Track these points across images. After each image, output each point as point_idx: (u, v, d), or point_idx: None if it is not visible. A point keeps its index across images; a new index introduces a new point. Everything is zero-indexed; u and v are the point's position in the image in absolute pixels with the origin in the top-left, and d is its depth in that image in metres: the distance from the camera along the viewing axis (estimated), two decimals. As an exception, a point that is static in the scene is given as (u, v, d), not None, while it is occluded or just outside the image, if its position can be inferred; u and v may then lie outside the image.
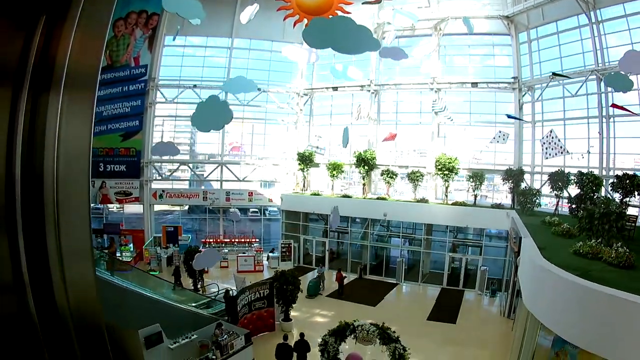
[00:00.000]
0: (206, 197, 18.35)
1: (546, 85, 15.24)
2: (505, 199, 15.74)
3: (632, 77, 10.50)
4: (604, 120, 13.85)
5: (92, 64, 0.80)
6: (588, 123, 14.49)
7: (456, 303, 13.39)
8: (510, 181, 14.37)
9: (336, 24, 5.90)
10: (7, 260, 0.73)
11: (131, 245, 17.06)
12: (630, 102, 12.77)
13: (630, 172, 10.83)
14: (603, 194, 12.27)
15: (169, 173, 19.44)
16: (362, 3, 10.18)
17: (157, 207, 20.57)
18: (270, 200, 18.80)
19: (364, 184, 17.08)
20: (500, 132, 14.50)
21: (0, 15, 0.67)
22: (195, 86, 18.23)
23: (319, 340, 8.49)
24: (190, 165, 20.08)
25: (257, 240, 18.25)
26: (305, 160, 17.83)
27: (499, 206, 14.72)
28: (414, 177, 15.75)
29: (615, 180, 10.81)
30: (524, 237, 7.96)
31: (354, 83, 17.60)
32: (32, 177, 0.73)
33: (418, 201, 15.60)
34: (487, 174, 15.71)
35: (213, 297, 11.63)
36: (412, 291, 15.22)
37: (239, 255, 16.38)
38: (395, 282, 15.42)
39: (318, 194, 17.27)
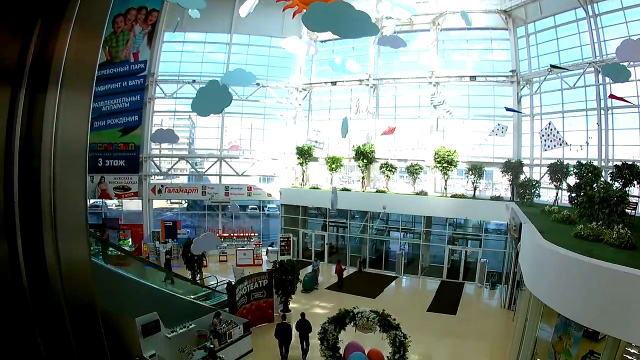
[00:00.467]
0: (205, 192, 18.31)
1: (544, 78, 15.29)
2: (505, 192, 15.75)
3: (630, 69, 10.58)
4: (602, 112, 13.89)
5: (88, 64, 0.82)
6: (586, 115, 14.52)
7: (456, 295, 13.34)
8: (509, 173, 14.37)
9: (336, 8, 5.93)
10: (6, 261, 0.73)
11: (130, 239, 16.99)
12: (628, 95, 12.79)
13: (630, 162, 10.83)
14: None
15: (169, 167, 19.40)
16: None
17: (155, 205, 20.53)
18: (269, 195, 18.77)
19: (363, 178, 17.07)
20: (499, 124, 14.54)
21: None
22: (194, 81, 18.25)
23: (319, 330, 8.43)
24: (189, 160, 20.04)
25: (256, 234, 18.20)
26: (304, 154, 17.83)
27: (498, 198, 14.71)
28: (413, 170, 15.75)
29: (614, 170, 10.81)
30: (524, 223, 7.93)
31: (352, 77, 17.64)
32: (30, 175, 0.74)
33: (417, 194, 15.59)
34: (486, 167, 15.69)
35: (213, 288, 11.58)
36: (412, 284, 15.17)
37: (238, 249, 16.32)
38: (394, 275, 15.37)
39: (317, 188, 17.25)
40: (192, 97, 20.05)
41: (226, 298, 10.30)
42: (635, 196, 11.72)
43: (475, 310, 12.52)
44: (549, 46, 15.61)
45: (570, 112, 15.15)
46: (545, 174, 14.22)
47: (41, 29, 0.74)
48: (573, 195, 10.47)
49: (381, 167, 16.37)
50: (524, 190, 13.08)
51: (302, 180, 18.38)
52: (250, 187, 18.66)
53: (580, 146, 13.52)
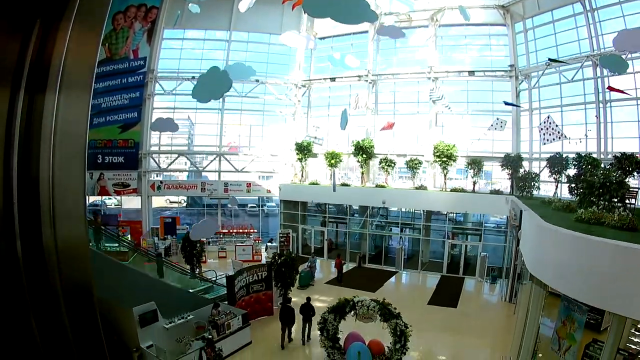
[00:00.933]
0: (204, 188, 18.27)
1: (542, 73, 15.34)
2: (505, 189, 15.74)
3: (627, 61, 10.60)
4: (601, 105, 13.92)
5: (88, 64, 0.82)
6: (585, 109, 14.55)
7: (456, 289, 13.27)
8: (508, 167, 14.36)
9: (336, -6, 6.00)
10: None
11: (129, 236, 16.91)
12: (625, 88, 12.82)
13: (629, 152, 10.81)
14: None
15: (169, 163, 19.37)
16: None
17: (155, 204, 20.48)
18: (269, 191, 18.73)
19: (362, 173, 17.05)
20: (497, 119, 14.55)
21: None
22: (193, 78, 18.27)
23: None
24: (188, 156, 20.03)
25: (255, 231, 18.15)
26: (304, 150, 17.82)
27: (497, 192, 14.69)
28: (412, 165, 15.74)
29: (614, 161, 10.79)
30: (525, 210, 7.91)
31: (351, 73, 17.70)
32: (29, 175, 0.75)
33: (417, 188, 15.57)
34: (486, 161, 15.69)
35: (213, 281, 11.50)
36: (412, 278, 15.10)
37: (237, 244, 16.26)
38: (394, 270, 15.30)
39: (316, 183, 17.23)
40: (192, 93, 19.91)
41: (225, 293, 10.26)
42: (635, 188, 11.74)
43: (476, 304, 12.45)
44: (547, 41, 15.69)
45: (568, 106, 15.18)
46: (544, 167, 14.21)
47: (40, 29, 0.74)
48: (573, 185, 10.45)
49: (380, 162, 16.36)
50: (523, 184, 13.07)
51: (302, 176, 18.36)
52: (250, 184, 18.64)
53: (580, 139, 13.52)
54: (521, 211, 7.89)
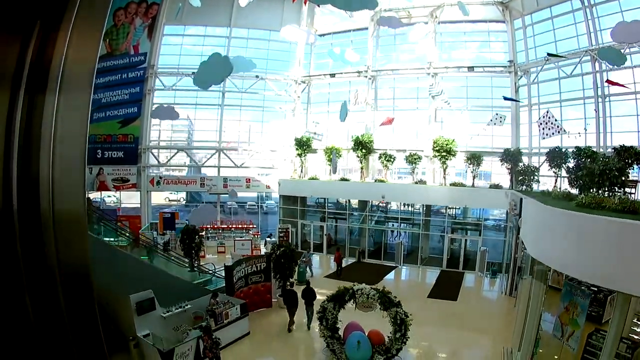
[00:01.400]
0: (204, 184, 18.23)
1: (541, 68, 15.40)
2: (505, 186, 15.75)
3: (625, 55, 10.62)
4: (600, 100, 13.96)
5: (87, 66, 0.82)
6: (584, 103, 14.59)
7: (456, 283, 13.20)
8: (508, 162, 14.35)
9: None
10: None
11: (127, 232, 16.81)
12: (624, 83, 12.86)
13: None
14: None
15: (168, 158, 19.34)
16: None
17: (154, 202, 20.40)
18: (268, 187, 18.70)
19: (361, 168, 17.03)
20: (497, 114, 14.58)
21: None
22: (193, 73, 18.28)
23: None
24: (188, 152, 20.01)
25: (255, 226, 18.09)
26: (303, 145, 17.82)
27: (497, 186, 14.68)
28: (412, 160, 15.73)
29: (613, 154, 10.79)
30: (525, 198, 7.89)
31: (351, 69, 17.76)
32: (29, 177, 0.75)
33: (416, 183, 15.55)
34: (485, 156, 15.70)
35: (212, 272, 11.43)
36: (412, 273, 15.04)
37: (236, 239, 16.19)
38: (394, 265, 15.23)
39: (316, 179, 17.21)
40: (192, 89, 20.01)
41: (223, 286, 10.17)
42: (635, 180, 11.74)
43: (476, 297, 12.40)
44: (545, 37, 15.77)
45: (568, 101, 15.23)
46: (544, 161, 14.20)
47: (40, 31, 0.74)
48: (573, 177, 10.43)
49: (380, 157, 16.35)
50: (523, 177, 13.05)
51: (301, 171, 18.34)
52: (249, 179, 18.61)
53: (579, 133, 13.54)
54: (521, 199, 7.88)
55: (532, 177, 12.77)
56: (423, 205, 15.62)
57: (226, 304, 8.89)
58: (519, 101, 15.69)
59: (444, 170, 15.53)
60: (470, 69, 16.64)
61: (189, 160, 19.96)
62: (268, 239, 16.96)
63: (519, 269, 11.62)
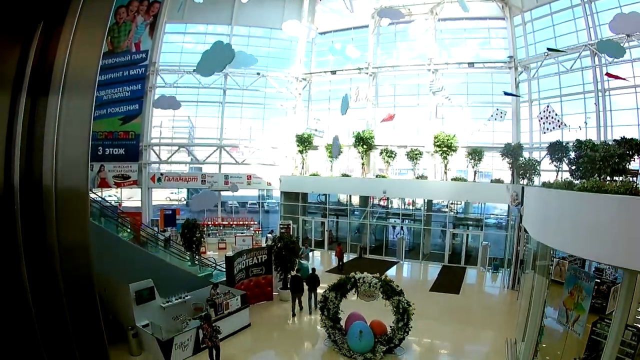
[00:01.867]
0: (204, 181, 18.22)
1: (541, 63, 15.46)
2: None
3: (625, 49, 10.65)
4: (600, 94, 13.99)
5: (90, 68, 0.82)
6: (584, 98, 14.62)
7: (459, 277, 13.13)
8: (509, 156, 14.34)
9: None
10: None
11: (128, 228, 16.75)
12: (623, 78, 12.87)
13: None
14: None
15: (169, 155, 19.37)
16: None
17: (155, 202, 20.39)
18: (269, 184, 18.69)
19: (362, 164, 17.03)
20: (497, 109, 14.60)
21: None
22: (194, 70, 18.40)
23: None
24: (189, 148, 20.04)
25: (256, 222, 18.05)
26: (304, 142, 17.84)
27: (498, 181, 14.65)
28: (413, 156, 15.73)
29: (616, 158, 10.76)
30: (526, 187, 7.86)
31: (351, 66, 17.84)
32: (31, 181, 0.75)
33: (417, 178, 15.54)
34: (486, 151, 15.69)
35: (213, 265, 11.37)
36: (414, 268, 14.97)
37: (237, 235, 16.14)
38: (395, 260, 15.16)
39: (317, 175, 17.21)
40: (193, 86, 20.15)
41: (224, 280, 10.10)
42: (635, 172, 11.72)
43: (479, 290, 12.33)
44: (545, 33, 15.86)
45: (568, 96, 15.26)
46: (545, 155, 14.20)
47: (42, 34, 0.74)
48: (574, 168, 10.42)
49: (381, 153, 16.36)
50: (524, 171, 13.03)
51: (302, 168, 18.34)
52: (250, 176, 18.60)
53: (579, 127, 13.53)
54: (522, 187, 7.88)
55: (533, 171, 12.74)
56: (424, 203, 15.59)
57: (227, 295, 8.83)
58: (519, 96, 15.72)
59: (445, 166, 15.52)
60: (471, 65, 16.71)
61: (190, 158, 19.98)
62: (269, 235, 16.89)
63: (521, 262, 11.56)
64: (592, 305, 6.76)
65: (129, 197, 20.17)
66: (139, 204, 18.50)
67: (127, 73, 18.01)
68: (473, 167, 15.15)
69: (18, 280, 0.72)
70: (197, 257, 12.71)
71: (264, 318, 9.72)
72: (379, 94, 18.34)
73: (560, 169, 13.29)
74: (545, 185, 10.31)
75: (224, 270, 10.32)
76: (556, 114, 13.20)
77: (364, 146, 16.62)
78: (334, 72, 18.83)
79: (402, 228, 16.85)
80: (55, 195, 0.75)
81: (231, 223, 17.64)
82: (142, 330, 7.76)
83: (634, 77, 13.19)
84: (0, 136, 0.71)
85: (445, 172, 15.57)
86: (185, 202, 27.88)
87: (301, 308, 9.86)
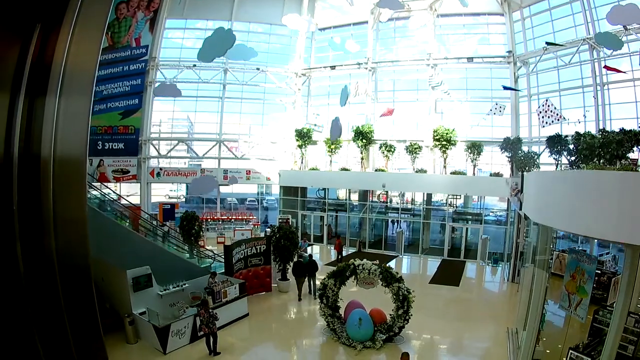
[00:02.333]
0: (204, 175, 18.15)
1: (539, 58, 15.50)
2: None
3: (623, 42, 10.65)
4: (599, 87, 14.02)
5: (88, 68, 0.84)
6: (583, 92, 14.65)
7: (458, 271, 13.06)
8: (508, 150, 14.33)
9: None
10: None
11: (127, 221, 16.67)
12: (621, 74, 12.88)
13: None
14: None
15: (169, 149, 19.32)
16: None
17: (154, 200, 20.30)
18: (268, 179, 18.65)
19: (362, 159, 17.01)
20: (496, 104, 14.63)
21: None
22: (194, 66, 18.45)
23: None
24: (188, 143, 20.01)
25: (255, 217, 17.98)
26: (304, 137, 17.83)
27: (497, 174, 14.64)
28: (412, 150, 15.72)
29: (614, 144, 10.77)
30: (526, 174, 7.83)
31: (351, 61, 17.88)
32: (29, 180, 0.75)
33: (417, 171, 15.51)
34: (485, 145, 15.69)
35: (213, 257, 11.29)
36: (413, 262, 14.90)
37: (237, 229, 16.07)
38: (395, 254, 15.08)
39: (316, 169, 17.17)
40: (193, 81, 20.17)
41: (223, 272, 10.01)
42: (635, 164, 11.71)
43: (479, 283, 12.26)
44: (544, 28, 15.93)
45: (566, 91, 15.29)
46: (544, 149, 14.19)
47: (40, 34, 0.76)
48: (574, 159, 10.42)
49: (380, 147, 16.34)
50: (523, 164, 13.01)
51: (301, 163, 18.31)
52: (249, 171, 18.56)
53: (578, 120, 13.55)
54: (522, 174, 7.85)
55: (532, 164, 12.73)
56: (424, 197, 15.55)
57: (225, 282, 8.74)
58: (518, 90, 15.75)
59: (445, 160, 15.50)
60: (470, 60, 16.76)
61: (189, 154, 19.94)
62: (268, 230, 16.82)
63: (521, 254, 11.50)
64: (592, 296, 6.70)
65: (128, 194, 20.08)
66: (137, 200, 18.39)
67: (127, 68, 18.02)
68: (472, 161, 15.13)
69: (13, 258, 0.72)
70: (195, 249, 12.63)
71: (263, 308, 9.64)
72: (378, 89, 18.36)
73: (559, 162, 13.28)
74: (545, 175, 10.32)
75: (223, 262, 10.24)
76: (555, 107, 13.24)
77: (363, 140, 16.61)
78: (333, 68, 18.87)
79: (399, 221, 16.79)
80: (54, 194, 0.75)
81: (230, 218, 17.56)
82: (138, 317, 7.68)
83: (632, 70, 13.22)
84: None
85: (445, 166, 15.55)
86: (184, 200, 27.81)
87: (300, 299, 10.01)
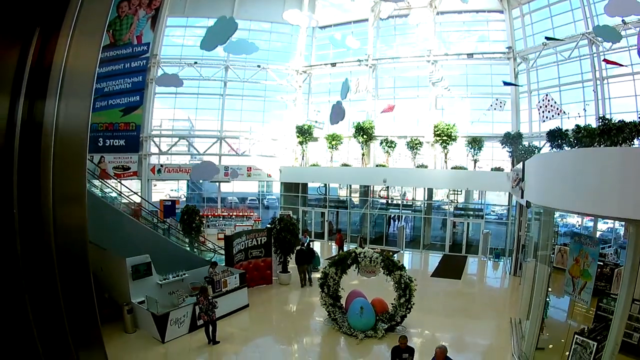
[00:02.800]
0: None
1: (539, 53, 15.57)
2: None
3: (622, 36, 10.69)
4: (598, 82, 14.05)
5: (87, 72, 0.84)
6: (583, 87, 14.68)
7: (460, 265, 12.98)
8: (509, 145, 14.31)
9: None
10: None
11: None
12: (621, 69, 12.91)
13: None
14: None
15: (170, 146, 19.35)
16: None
17: (155, 198, 20.27)
18: (269, 175, 18.63)
19: (363, 154, 17.01)
20: (497, 99, 14.67)
21: None
22: (195, 63, 18.55)
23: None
24: (189, 140, 20.04)
25: (256, 214, 17.94)
26: (305, 133, 17.85)
27: (498, 169, 14.61)
28: (413, 145, 15.72)
29: (614, 130, 10.78)
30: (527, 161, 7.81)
31: (351, 58, 17.96)
32: (30, 182, 0.75)
33: (418, 167, 15.49)
34: (485, 140, 15.69)
35: (213, 250, 11.24)
36: (414, 257, 14.84)
37: (237, 225, 16.02)
38: (396, 249, 15.00)
39: (317, 165, 17.17)
40: (194, 78, 20.17)
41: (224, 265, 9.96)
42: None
43: (480, 276, 12.18)
44: (543, 25, 16.02)
45: (566, 85, 15.33)
46: (545, 144, 14.18)
47: (39, 38, 0.76)
48: (575, 149, 10.37)
49: (381, 143, 16.35)
50: (524, 159, 12.98)
51: (302, 159, 18.32)
52: (250, 168, 18.56)
53: (578, 114, 13.55)
54: (523, 162, 7.82)
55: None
56: (425, 192, 15.51)
57: (225, 272, 8.68)
58: (519, 85, 15.80)
59: (445, 155, 15.49)
60: (470, 56, 16.83)
61: (190, 149, 19.96)
62: (269, 226, 16.77)
63: (523, 247, 11.42)
64: (595, 287, 6.63)
65: (129, 194, 20.04)
66: (138, 200, 18.32)
67: (128, 65, 18.11)
68: (473, 156, 15.12)
69: (13, 257, 0.71)
70: (195, 242, 12.58)
71: (264, 299, 9.57)
72: (378, 85, 18.43)
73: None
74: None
75: (224, 255, 10.18)
76: (555, 102, 13.26)
77: (364, 136, 16.62)
78: (333, 65, 18.96)
79: (400, 217, 16.73)
80: (53, 196, 0.75)
81: (231, 214, 17.52)
82: (137, 306, 7.61)
83: (631, 64, 13.26)
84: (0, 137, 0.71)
85: (446, 162, 15.54)
86: (184, 199, 27.77)
87: (302, 285, 10.30)
